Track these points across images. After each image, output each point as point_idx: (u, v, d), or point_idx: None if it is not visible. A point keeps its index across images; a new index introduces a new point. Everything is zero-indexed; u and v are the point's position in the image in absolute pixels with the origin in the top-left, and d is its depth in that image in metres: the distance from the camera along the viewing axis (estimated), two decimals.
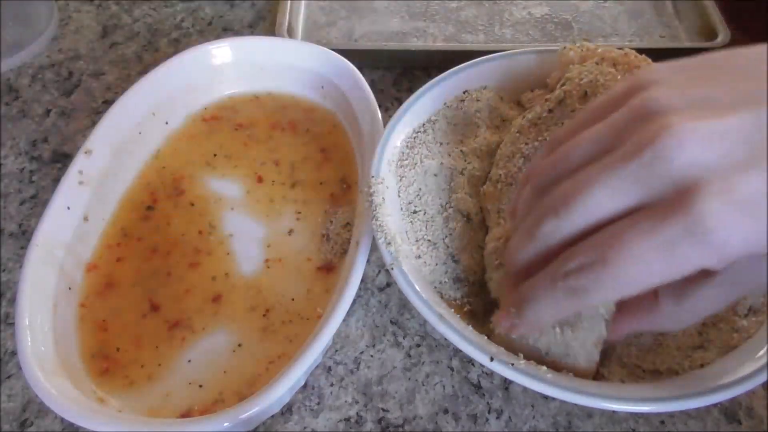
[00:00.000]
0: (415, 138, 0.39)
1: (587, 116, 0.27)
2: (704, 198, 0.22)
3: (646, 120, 0.24)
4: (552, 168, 0.27)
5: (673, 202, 0.22)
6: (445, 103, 0.41)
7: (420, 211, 0.37)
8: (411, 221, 0.37)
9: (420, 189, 0.38)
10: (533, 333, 0.31)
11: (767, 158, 0.22)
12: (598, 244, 0.24)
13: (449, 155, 0.40)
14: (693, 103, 0.23)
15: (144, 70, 0.50)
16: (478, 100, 0.41)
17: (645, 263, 0.23)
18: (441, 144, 0.40)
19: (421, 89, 0.41)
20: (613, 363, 0.33)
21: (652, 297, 0.28)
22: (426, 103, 0.40)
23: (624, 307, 0.30)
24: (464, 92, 0.42)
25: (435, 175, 0.39)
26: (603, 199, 0.24)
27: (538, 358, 0.31)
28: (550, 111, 0.37)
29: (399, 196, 0.37)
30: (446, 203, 0.38)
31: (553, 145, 0.28)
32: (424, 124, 0.40)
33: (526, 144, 0.37)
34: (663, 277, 0.24)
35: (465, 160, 0.40)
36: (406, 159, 0.38)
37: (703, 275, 0.25)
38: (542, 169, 0.28)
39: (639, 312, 0.29)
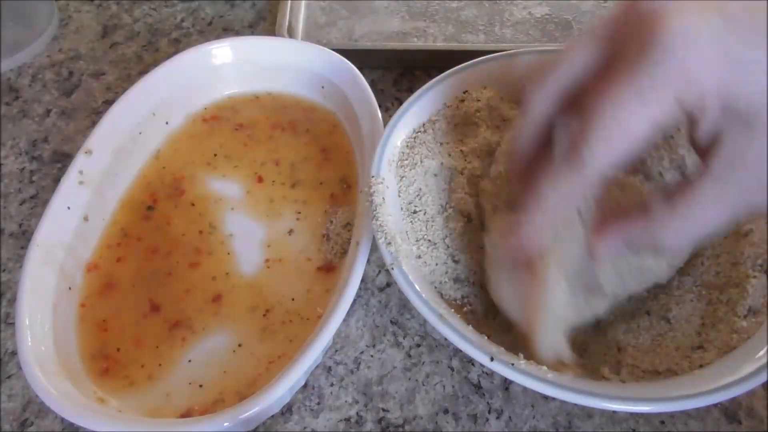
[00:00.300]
0: (415, 138, 0.40)
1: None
2: (663, 25, 0.23)
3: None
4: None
5: (636, 40, 0.24)
6: (445, 103, 0.41)
7: (420, 211, 0.37)
8: (411, 221, 0.37)
9: (420, 189, 0.38)
10: (538, 235, 0.29)
11: None
12: (581, 111, 0.25)
13: (449, 155, 0.40)
14: None
15: (144, 70, 0.50)
16: (478, 100, 0.41)
17: (625, 112, 0.23)
18: (441, 144, 0.40)
19: (421, 89, 0.41)
20: (614, 364, 0.33)
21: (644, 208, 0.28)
22: (426, 103, 0.40)
23: (616, 214, 0.29)
24: (464, 92, 0.42)
25: (435, 175, 0.39)
26: (578, 54, 0.26)
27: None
28: None
29: (399, 196, 0.37)
30: (446, 203, 0.38)
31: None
32: (424, 124, 0.40)
33: None
34: (648, 124, 0.24)
35: (465, 160, 0.40)
36: (406, 159, 0.38)
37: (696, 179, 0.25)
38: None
39: (632, 217, 0.28)
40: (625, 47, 0.24)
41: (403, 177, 0.38)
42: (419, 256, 0.36)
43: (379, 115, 0.41)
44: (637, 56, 0.23)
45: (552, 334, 0.31)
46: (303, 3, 0.56)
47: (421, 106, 0.40)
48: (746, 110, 0.24)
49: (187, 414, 0.34)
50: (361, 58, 0.48)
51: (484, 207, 0.37)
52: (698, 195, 0.26)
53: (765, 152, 0.24)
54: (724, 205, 0.26)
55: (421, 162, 0.38)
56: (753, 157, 0.24)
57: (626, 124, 0.24)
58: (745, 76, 0.23)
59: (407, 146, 0.39)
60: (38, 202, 0.45)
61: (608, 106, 0.24)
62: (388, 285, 0.41)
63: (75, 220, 0.39)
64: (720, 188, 0.25)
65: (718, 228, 0.26)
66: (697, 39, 0.22)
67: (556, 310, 0.31)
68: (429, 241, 0.36)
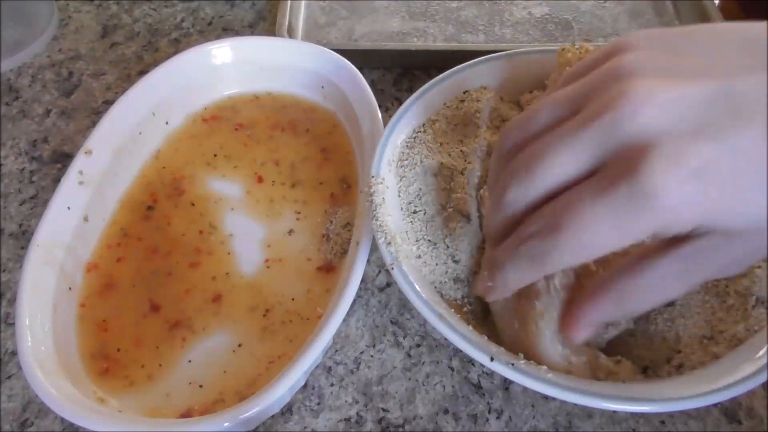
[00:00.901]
0: (415, 138, 0.40)
1: (564, 80, 0.27)
2: (651, 162, 0.22)
3: (611, 82, 0.24)
4: (518, 130, 0.27)
5: (622, 167, 0.22)
6: (445, 104, 0.41)
7: (420, 211, 0.37)
8: (411, 221, 0.37)
9: (420, 189, 0.38)
10: (505, 296, 0.30)
11: (721, 130, 0.22)
12: (554, 209, 0.24)
13: (449, 155, 0.40)
14: (660, 70, 0.23)
15: (144, 70, 0.50)
16: (478, 100, 0.41)
17: (595, 228, 0.23)
18: (441, 144, 0.40)
19: (421, 89, 0.41)
20: (622, 354, 0.33)
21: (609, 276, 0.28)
22: (426, 103, 0.40)
23: (584, 290, 0.29)
24: (464, 92, 0.42)
25: (435, 175, 0.39)
26: (563, 162, 0.24)
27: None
28: None
29: (399, 196, 0.37)
30: (446, 203, 0.38)
31: (528, 111, 0.28)
32: (424, 124, 0.40)
33: None
34: (615, 243, 0.23)
35: (465, 160, 0.40)
36: (407, 159, 0.38)
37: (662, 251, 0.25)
38: (509, 132, 0.27)
39: (598, 293, 0.28)
40: (609, 161, 0.23)
41: (403, 177, 0.38)
42: (419, 256, 0.36)
43: (379, 115, 0.41)
44: (615, 176, 0.23)
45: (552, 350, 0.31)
46: (303, 3, 0.56)
47: (421, 106, 0.40)
48: (727, 228, 0.23)
49: (187, 414, 0.34)
50: (361, 58, 0.48)
51: (484, 213, 0.37)
52: (660, 270, 0.26)
53: (742, 249, 0.24)
54: (688, 278, 0.26)
55: (421, 162, 0.38)
56: (728, 252, 0.24)
57: (598, 243, 0.24)
58: (732, 206, 0.22)
59: (407, 146, 0.39)
60: (38, 202, 0.45)
61: (578, 216, 0.23)
62: (388, 285, 0.41)
63: (75, 220, 0.39)
64: (684, 269, 0.25)
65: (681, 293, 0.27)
66: (683, 184, 0.22)
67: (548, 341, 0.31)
68: (429, 241, 0.36)
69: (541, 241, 0.25)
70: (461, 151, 0.40)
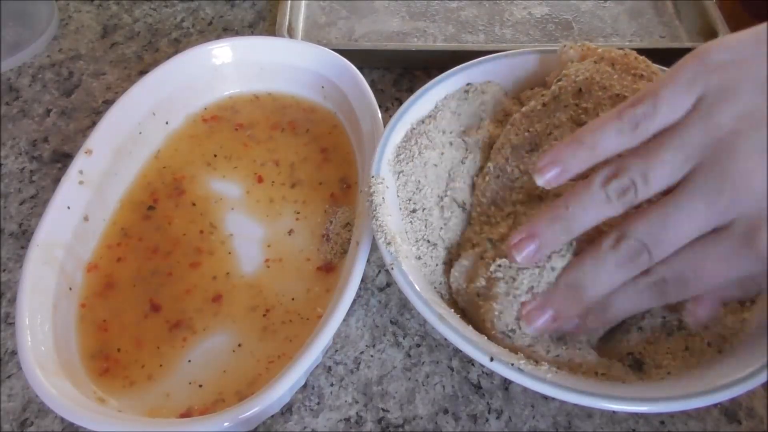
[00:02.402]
0: (414, 129, 0.39)
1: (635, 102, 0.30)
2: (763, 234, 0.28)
3: (718, 154, 0.28)
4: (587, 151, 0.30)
5: (744, 237, 0.28)
6: (445, 97, 0.41)
7: (419, 208, 0.37)
8: (410, 221, 0.37)
9: (419, 182, 0.38)
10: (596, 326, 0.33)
11: None
12: (684, 266, 0.29)
13: (451, 144, 0.39)
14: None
15: (144, 70, 0.50)
16: (483, 92, 0.41)
17: (714, 277, 0.29)
18: (443, 133, 0.40)
19: (421, 89, 0.41)
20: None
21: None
22: (426, 103, 0.40)
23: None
24: (467, 84, 0.41)
25: (435, 165, 0.38)
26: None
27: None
28: (543, 105, 0.38)
29: (398, 196, 0.37)
30: (443, 193, 0.38)
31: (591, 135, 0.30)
32: (424, 118, 0.40)
33: (516, 135, 0.37)
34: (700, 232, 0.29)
35: (467, 150, 0.39)
36: (407, 150, 0.38)
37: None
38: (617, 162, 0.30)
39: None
40: (701, 163, 0.28)
41: (401, 172, 0.37)
42: (419, 257, 0.36)
43: (379, 115, 0.41)
44: (739, 243, 0.28)
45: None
46: (303, 3, 0.56)
47: (421, 106, 0.40)
48: None
49: (187, 414, 0.34)
50: (361, 58, 0.48)
51: (474, 201, 0.38)
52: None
53: None
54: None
55: (420, 153, 0.38)
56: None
57: (682, 234, 0.29)
58: None
59: (407, 138, 0.39)
60: (38, 202, 0.45)
61: (709, 272, 0.29)
62: (388, 285, 0.41)
63: (75, 220, 0.39)
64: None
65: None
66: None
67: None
68: (428, 241, 0.36)
69: (671, 287, 0.30)
70: (463, 140, 0.40)
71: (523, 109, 0.39)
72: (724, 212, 0.28)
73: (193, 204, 0.43)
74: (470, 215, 0.38)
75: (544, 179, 0.30)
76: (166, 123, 0.46)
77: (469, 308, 0.35)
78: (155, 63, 0.46)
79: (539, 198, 0.36)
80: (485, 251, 0.35)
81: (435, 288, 0.35)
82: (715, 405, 0.36)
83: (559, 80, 0.38)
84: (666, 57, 0.38)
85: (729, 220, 0.28)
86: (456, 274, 0.35)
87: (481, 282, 0.33)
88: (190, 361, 0.36)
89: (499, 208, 0.37)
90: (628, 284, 0.31)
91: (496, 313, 0.32)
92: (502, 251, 0.33)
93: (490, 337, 0.32)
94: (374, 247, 0.35)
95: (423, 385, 0.37)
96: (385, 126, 0.39)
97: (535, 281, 0.32)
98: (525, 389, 0.36)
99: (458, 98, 0.41)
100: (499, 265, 0.33)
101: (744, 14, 0.58)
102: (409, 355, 0.38)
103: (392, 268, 0.33)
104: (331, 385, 0.37)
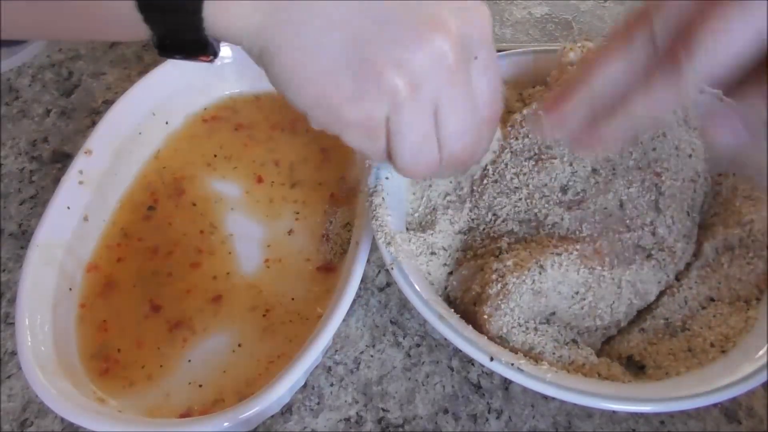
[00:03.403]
0: None
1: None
2: None
3: None
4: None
5: None
6: None
7: (419, 208, 0.37)
8: (411, 220, 0.37)
9: (419, 182, 0.38)
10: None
11: None
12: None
13: None
14: None
15: (144, 70, 0.50)
16: None
17: (729, 22, 0.24)
18: None
19: None
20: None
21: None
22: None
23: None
24: None
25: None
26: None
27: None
28: None
29: (398, 195, 0.37)
30: (443, 193, 0.38)
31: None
32: None
33: (516, 139, 0.37)
34: (751, 33, 0.24)
35: None
36: None
37: None
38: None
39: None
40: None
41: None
42: (419, 256, 0.36)
43: None
44: None
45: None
46: None
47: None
48: None
49: (186, 414, 0.34)
50: None
51: (473, 203, 0.38)
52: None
53: None
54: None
55: None
56: None
57: (731, 34, 0.24)
58: None
59: None
60: (38, 202, 0.45)
61: (713, 18, 0.24)
62: (388, 285, 0.41)
63: (75, 220, 0.39)
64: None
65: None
66: None
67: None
68: (428, 242, 0.36)
69: (674, 51, 0.25)
70: None
71: (524, 111, 0.38)
72: None
73: (194, 204, 0.43)
74: (470, 218, 0.38)
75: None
76: (166, 123, 0.46)
77: (465, 315, 0.35)
78: (155, 63, 0.46)
79: (535, 221, 0.36)
80: (486, 263, 0.35)
81: (435, 288, 0.35)
82: (715, 405, 0.36)
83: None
84: None
85: None
86: (454, 283, 0.35)
87: (476, 290, 0.33)
88: (190, 361, 0.36)
89: (496, 215, 0.37)
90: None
91: (486, 316, 0.32)
92: (501, 269, 0.33)
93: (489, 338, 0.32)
94: (374, 247, 0.35)
95: (423, 385, 0.37)
96: None
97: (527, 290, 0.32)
98: (525, 389, 0.36)
99: None
100: (495, 270, 0.33)
101: None
102: (409, 355, 0.38)
103: (392, 268, 0.33)
104: (331, 385, 0.37)
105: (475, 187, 0.38)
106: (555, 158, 0.36)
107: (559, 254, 0.33)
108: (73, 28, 0.28)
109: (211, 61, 0.29)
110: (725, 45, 0.24)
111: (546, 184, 0.36)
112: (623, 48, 0.28)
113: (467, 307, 0.34)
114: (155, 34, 0.27)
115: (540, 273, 0.32)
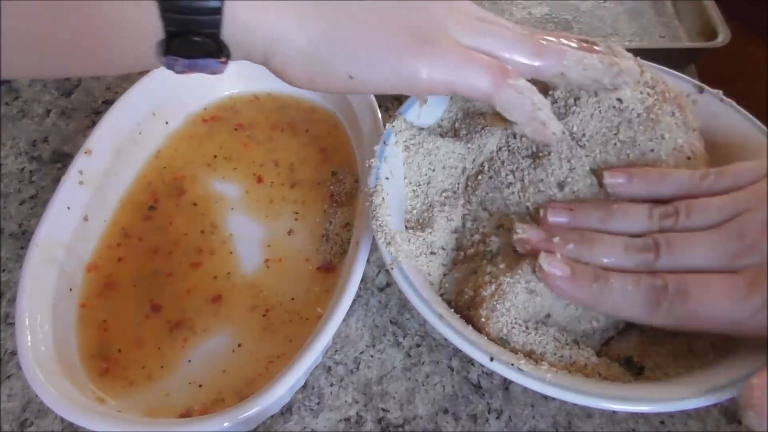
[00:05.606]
0: (414, 128, 0.39)
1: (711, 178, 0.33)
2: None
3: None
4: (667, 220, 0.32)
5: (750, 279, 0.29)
6: (450, 97, 0.41)
7: (418, 206, 0.37)
8: (410, 219, 0.37)
9: (419, 182, 0.38)
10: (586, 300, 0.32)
11: None
12: (686, 279, 0.30)
13: (452, 141, 0.39)
14: None
15: (144, 70, 0.50)
16: None
17: (714, 306, 0.30)
18: (444, 130, 0.40)
19: None
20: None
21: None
22: (426, 102, 0.40)
23: None
24: None
25: (432, 164, 0.38)
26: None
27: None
28: None
29: (398, 195, 0.37)
30: (442, 191, 0.38)
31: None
32: (426, 114, 0.40)
33: (514, 137, 0.37)
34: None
35: (468, 147, 0.39)
36: (407, 150, 0.38)
37: None
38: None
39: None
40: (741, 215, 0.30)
41: (408, 169, 0.37)
42: (419, 256, 0.36)
43: (379, 115, 0.41)
44: (739, 231, 0.30)
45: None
46: None
47: (421, 106, 0.40)
48: None
49: (186, 414, 0.34)
50: None
51: (465, 199, 0.38)
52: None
53: None
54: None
55: (419, 152, 0.38)
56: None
57: (695, 252, 0.31)
58: None
59: (409, 143, 0.39)
60: (38, 202, 0.45)
61: (695, 240, 0.31)
62: (388, 285, 0.41)
63: (75, 220, 0.39)
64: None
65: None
66: None
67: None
68: (428, 241, 0.36)
69: (669, 298, 0.30)
70: (464, 138, 0.40)
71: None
72: (741, 254, 0.30)
73: (194, 204, 0.43)
74: (462, 215, 0.38)
75: (611, 181, 0.34)
76: (166, 123, 0.46)
77: (462, 317, 0.35)
78: None
79: (529, 215, 0.36)
80: (478, 266, 0.35)
81: (435, 288, 0.35)
82: (715, 405, 0.35)
83: (556, 88, 0.38)
84: (666, 57, 0.38)
85: (741, 265, 0.30)
86: (447, 285, 0.35)
87: (469, 293, 0.33)
88: (190, 361, 0.36)
89: (488, 211, 0.37)
90: (630, 276, 0.31)
91: (483, 319, 0.32)
92: (494, 272, 0.33)
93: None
94: (374, 247, 0.35)
95: (423, 385, 0.37)
96: (385, 126, 0.39)
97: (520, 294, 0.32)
98: (525, 389, 0.36)
99: (460, 99, 0.41)
100: (489, 272, 0.33)
101: (745, 14, 0.58)
102: (409, 355, 0.38)
103: (392, 268, 0.33)
104: (331, 385, 0.37)
105: (470, 183, 0.38)
106: (552, 154, 0.35)
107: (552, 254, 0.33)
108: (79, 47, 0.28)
109: (224, 62, 0.29)
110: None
111: (542, 180, 0.35)
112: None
113: (461, 311, 0.34)
114: (167, 31, 0.26)
115: (533, 272, 0.32)
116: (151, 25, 0.26)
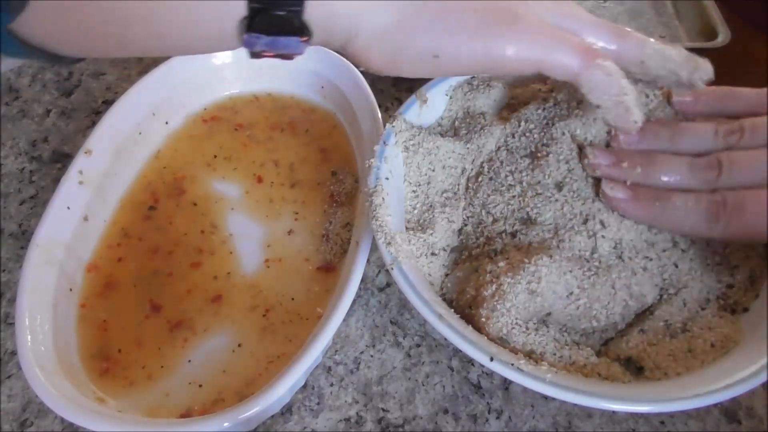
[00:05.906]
0: (414, 128, 0.39)
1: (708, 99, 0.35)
2: None
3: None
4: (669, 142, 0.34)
5: None
6: (449, 96, 0.41)
7: (419, 206, 0.37)
8: (411, 218, 0.37)
9: (419, 181, 0.38)
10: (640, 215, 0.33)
11: None
12: (751, 197, 0.31)
13: (452, 141, 0.39)
14: None
15: (144, 70, 0.50)
16: (489, 87, 0.41)
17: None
18: (444, 130, 0.40)
19: (421, 88, 0.41)
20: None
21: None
22: (426, 102, 0.40)
23: None
24: (472, 78, 0.41)
25: (432, 164, 0.38)
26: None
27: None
28: (543, 109, 0.38)
29: (398, 195, 0.37)
30: (443, 191, 0.38)
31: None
32: (426, 113, 0.40)
33: (513, 137, 0.37)
34: None
35: (468, 147, 0.39)
36: (407, 150, 0.38)
37: None
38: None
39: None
40: None
41: (408, 169, 0.37)
42: (419, 256, 0.36)
43: (379, 115, 0.41)
44: None
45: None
46: None
47: (423, 104, 0.40)
48: None
49: (186, 414, 0.34)
50: None
51: (467, 200, 0.38)
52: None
53: None
54: None
55: (419, 152, 0.38)
56: None
57: (758, 169, 0.31)
58: None
59: (407, 137, 0.39)
60: (38, 202, 0.45)
61: (758, 157, 0.31)
62: (388, 285, 0.41)
63: (75, 220, 0.39)
64: None
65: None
66: None
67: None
68: (429, 242, 0.36)
69: (727, 213, 0.31)
70: (464, 137, 0.40)
71: (522, 110, 0.39)
72: None
73: (194, 204, 0.43)
74: (465, 216, 0.38)
75: (679, 99, 0.35)
76: (166, 123, 0.46)
77: (462, 318, 0.35)
78: (155, 63, 0.46)
79: (528, 219, 0.36)
80: (480, 265, 0.35)
81: (435, 288, 0.35)
82: (715, 405, 0.36)
83: (559, 90, 0.38)
84: None
85: None
86: (449, 285, 0.35)
87: (471, 293, 0.33)
88: (190, 361, 0.36)
89: (490, 213, 0.37)
90: (690, 194, 0.32)
91: (483, 319, 0.32)
92: (495, 271, 0.33)
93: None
94: (374, 247, 0.35)
95: (423, 385, 0.37)
96: (385, 126, 0.39)
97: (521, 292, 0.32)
98: (525, 389, 0.36)
99: (459, 98, 0.41)
100: (489, 271, 0.33)
101: (744, 14, 0.58)
102: (409, 355, 0.38)
103: (392, 268, 0.33)
104: (331, 385, 0.37)
105: (470, 185, 0.38)
106: (550, 155, 0.36)
107: (552, 254, 0.33)
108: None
109: (305, 41, 0.29)
110: None
111: (540, 182, 0.35)
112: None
113: (462, 310, 0.34)
114: (250, 8, 0.27)
115: (534, 273, 0.32)
116: (236, 2, 0.26)
